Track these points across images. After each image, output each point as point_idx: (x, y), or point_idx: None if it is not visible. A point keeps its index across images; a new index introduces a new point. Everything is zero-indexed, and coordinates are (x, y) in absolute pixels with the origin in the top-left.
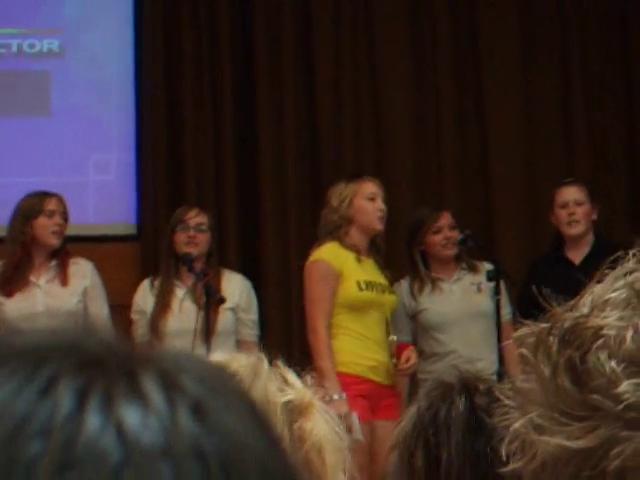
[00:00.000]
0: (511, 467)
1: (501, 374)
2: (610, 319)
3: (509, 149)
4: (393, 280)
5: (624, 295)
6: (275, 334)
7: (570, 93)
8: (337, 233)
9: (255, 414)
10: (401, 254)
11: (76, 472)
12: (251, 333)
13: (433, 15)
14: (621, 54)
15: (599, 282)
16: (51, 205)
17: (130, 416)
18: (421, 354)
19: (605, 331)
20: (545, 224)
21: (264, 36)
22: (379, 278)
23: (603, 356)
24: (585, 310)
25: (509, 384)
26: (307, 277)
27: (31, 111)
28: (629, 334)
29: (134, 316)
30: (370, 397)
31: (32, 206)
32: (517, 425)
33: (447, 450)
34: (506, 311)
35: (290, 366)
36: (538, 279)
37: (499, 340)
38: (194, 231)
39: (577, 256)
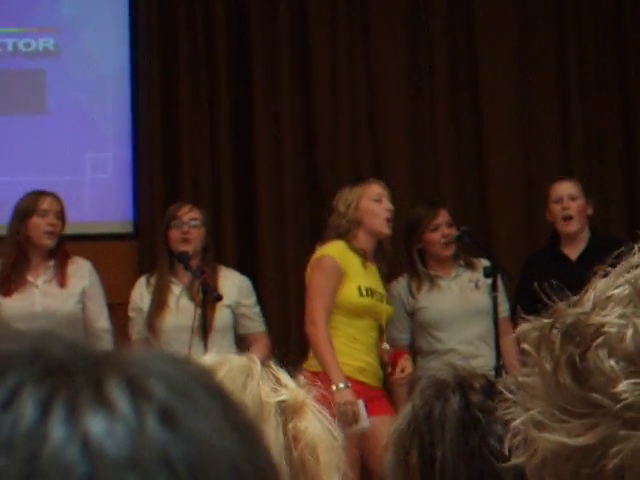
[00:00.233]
0: (513, 462)
1: (498, 370)
2: (611, 316)
3: (505, 146)
4: (388, 284)
5: (626, 292)
6: (272, 331)
7: (566, 89)
8: (346, 236)
9: (229, 415)
10: (399, 252)
11: None
12: (257, 324)
13: (429, 12)
14: (617, 50)
15: (603, 277)
16: (45, 204)
17: (95, 426)
18: (419, 352)
19: (606, 329)
20: (541, 220)
21: (260, 35)
22: (379, 287)
23: (603, 354)
24: (588, 306)
25: (512, 378)
26: (311, 271)
27: (27, 110)
28: (629, 332)
29: (131, 314)
30: (360, 397)
31: (27, 205)
32: (518, 421)
33: (441, 448)
34: (503, 307)
35: (288, 362)
36: (534, 275)
37: (497, 336)
38: (187, 227)
39: (573, 252)
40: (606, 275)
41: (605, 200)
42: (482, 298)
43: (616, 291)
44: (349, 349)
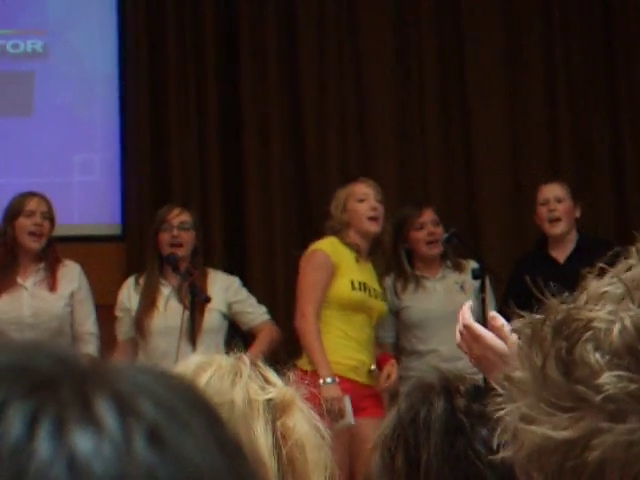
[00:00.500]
0: (501, 455)
1: None
2: (601, 312)
3: (494, 148)
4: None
5: (620, 290)
6: None
7: (554, 91)
8: (339, 234)
9: (216, 433)
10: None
11: None
12: (258, 315)
13: (417, 14)
14: (605, 51)
15: (594, 279)
16: (30, 205)
17: (82, 443)
18: (402, 351)
19: (595, 324)
20: (530, 222)
21: (248, 37)
22: (374, 283)
23: (590, 347)
24: (580, 302)
25: (503, 374)
26: (303, 265)
27: (15, 111)
28: (617, 327)
29: (118, 314)
30: (351, 396)
31: (13, 207)
32: (507, 414)
33: (427, 451)
34: (490, 310)
35: (275, 363)
36: (522, 277)
37: None
38: (177, 230)
39: (561, 254)
40: (597, 277)
41: (594, 202)
42: (467, 300)
43: (609, 288)
44: (341, 347)
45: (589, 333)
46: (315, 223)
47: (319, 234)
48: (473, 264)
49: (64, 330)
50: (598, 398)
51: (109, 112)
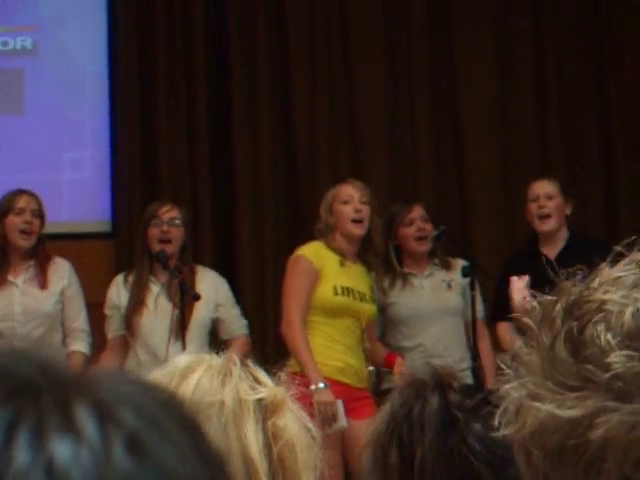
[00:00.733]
0: (502, 433)
1: (476, 370)
2: (615, 295)
3: (484, 147)
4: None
5: (634, 277)
6: (250, 331)
7: (545, 90)
8: (325, 237)
9: (196, 443)
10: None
11: None
12: (238, 327)
13: (408, 14)
14: (595, 56)
15: (583, 277)
16: (20, 202)
17: (61, 451)
18: (387, 347)
19: (607, 306)
20: (520, 220)
21: (238, 37)
22: (361, 286)
23: (600, 328)
24: (593, 285)
25: (509, 354)
26: (287, 271)
27: (5, 109)
28: (629, 310)
29: (107, 312)
30: (340, 398)
31: (3, 205)
32: (512, 391)
33: (421, 447)
34: (479, 308)
35: (265, 362)
36: (513, 274)
37: (474, 335)
38: (167, 226)
39: (552, 251)
40: (584, 276)
41: (584, 200)
42: (453, 298)
43: (623, 274)
44: (327, 349)
45: (601, 315)
46: (305, 224)
47: (309, 234)
48: (462, 262)
49: (55, 327)
50: (606, 376)
51: (99, 110)
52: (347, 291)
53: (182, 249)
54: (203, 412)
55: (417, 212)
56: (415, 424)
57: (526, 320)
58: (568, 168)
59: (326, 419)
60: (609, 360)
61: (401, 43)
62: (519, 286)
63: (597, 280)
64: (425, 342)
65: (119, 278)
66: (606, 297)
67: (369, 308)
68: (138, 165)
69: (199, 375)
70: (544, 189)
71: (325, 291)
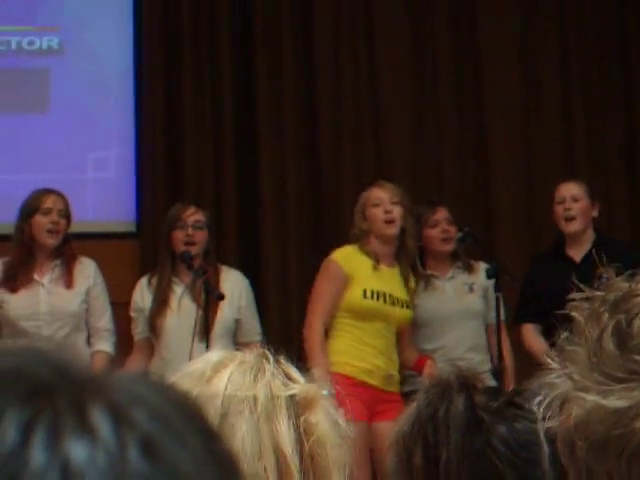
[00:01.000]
0: (547, 425)
1: (497, 372)
2: None
3: (509, 148)
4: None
5: None
6: (274, 331)
7: (569, 93)
8: (360, 241)
9: (210, 446)
10: None
11: None
12: (256, 332)
13: (432, 14)
14: (620, 47)
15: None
16: (48, 202)
17: (77, 452)
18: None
19: None
20: (544, 223)
21: (264, 31)
22: (395, 290)
23: None
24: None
25: (558, 349)
26: (319, 273)
27: (30, 108)
28: None
29: (132, 314)
30: (366, 400)
31: (31, 204)
32: (560, 385)
33: (446, 449)
34: (500, 311)
35: (289, 361)
36: (539, 276)
37: (499, 337)
38: (192, 229)
39: (577, 253)
40: (609, 279)
41: (608, 201)
42: (475, 301)
43: None
44: (355, 350)
45: None
46: (329, 224)
47: (333, 235)
48: (484, 265)
49: (80, 327)
50: None
51: (124, 109)
52: (377, 295)
53: (206, 251)
54: (235, 407)
55: (442, 214)
56: (440, 425)
57: (574, 315)
58: (592, 168)
59: None
60: None
61: (426, 44)
62: None
63: None
64: (446, 344)
65: (143, 280)
66: None
67: (400, 312)
68: (163, 165)
69: (231, 370)
70: (570, 191)
71: (355, 294)
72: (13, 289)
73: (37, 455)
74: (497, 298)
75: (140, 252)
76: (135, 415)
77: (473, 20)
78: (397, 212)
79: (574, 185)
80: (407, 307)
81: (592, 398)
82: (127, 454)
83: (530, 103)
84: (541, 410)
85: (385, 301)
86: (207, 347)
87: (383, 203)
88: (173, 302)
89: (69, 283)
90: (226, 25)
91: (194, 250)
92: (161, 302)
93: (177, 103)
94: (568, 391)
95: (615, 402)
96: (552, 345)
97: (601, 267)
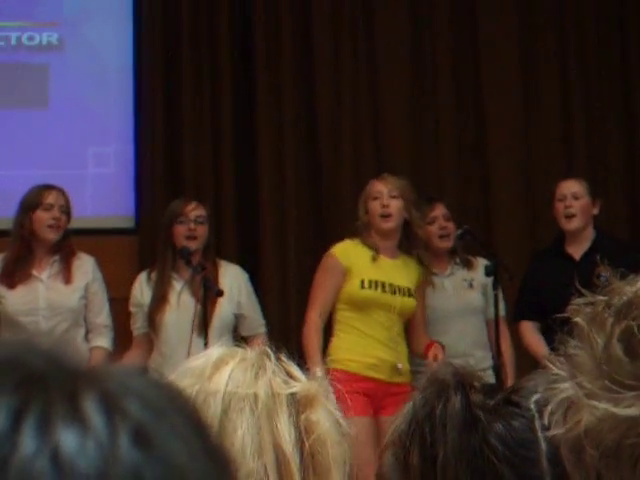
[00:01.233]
0: (552, 433)
1: (497, 368)
2: None
3: (508, 146)
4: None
5: None
6: (272, 325)
7: (569, 93)
8: (361, 235)
9: (202, 438)
10: None
11: None
12: (259, 325)
13: (432, 10)
14: (620, 50)
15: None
16: (49, 198)
17: (67, 439)
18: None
19: None
20: (543, 220)
21: (263, 28)
22: (397, 279)
23: None
24: None
25: (561, 353)
26: (318, 267)
27: (30, 103)
28: None
29: (132, 309)
30: (371, 395)
31: (32, 199)
32: (567, 391)
33: (443, 448)
34: (500, 307)
35: (288, 357)
36: (538, 275)
37: (497, 334)
38: (194, 224)
39: (577, 251)
40: (608, 278)
41: (607, 200)
42: (475, 297)
43: None
44: (358, 346)
45: None
46: (328, 219)
47: (332, 230)
48: (483, 261)
49: (79, 322)
50: None
51: (124, 105)
52: (375, 284)
53: (205, 246)
54: (236, 404)
55: (439, 210)
56: (437, 424)
57: (576, 319)
58: (592, 168)
59: None
60: None
61: (426, 42)
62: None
63: None
64: (447, 341)
65: (142, 276)
66: None
67: (402, 301)
68: (162, 161)
69: (232, 367)
70: (571, 189)
71: (352, 285)
72: (11, 284)
73: (27, 441)
74: (495, 295)
75: (139, 248)
76: (128, 405)
77: (473, 19)
78: (394, 206)
79: (575, 183)
80: (411, 296)
81: (603, 406)
82: (118, 443)
83: (530, 102)
84: (545, 416)
85: (384, 290)
86: (205, 342)
87: (381, 197)
88: (172, 297)
89: (68, 278)
90: (225, 23)
91: (195, 245)
92: (160, 297)
93: (176, 99)
94: (574, 397)
95: (626, 410)
96: (551, 345)
97: (600, 266)
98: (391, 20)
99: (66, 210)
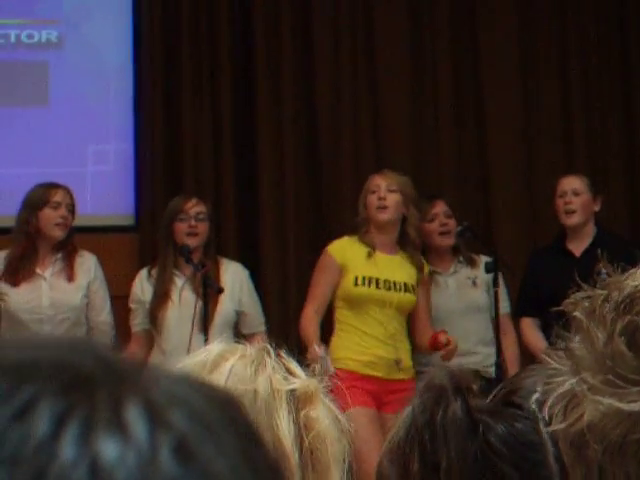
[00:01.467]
0: (553, 428)
1: (499, 365)
2: None
3: (508, 144)
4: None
5: None
6: (272, 322)
7: (569, 93)
8: (360, 231)
9: (251, 453)
10: None
11: None
12: (259, 323)
13: (432, 8)
14: (620, 50)
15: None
16: (57, 197)
17: (107, 449)
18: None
19: None
20: (544, 217)
21: (263, 26)
22: (393, 275)
23: None
24: None
25: (559, 347)
26: (316, 263)
27: (29, 101)
28: None
29: (132, 305)
30: (372, 392)
31: (38, 197)
32: (568, 385)
33: (446, 454)
34: (504, 304)
35: (288, 354)
36: (539, 271)
37: (497, 332)
38: (195, 221)
39: (578, 248)
40: (608, 275)
41: (607, 199)
42: (479, 295)
43: None
44: (355, 345)
45: None
46: (327, 217)
47: (331, 227)
48: (486, 259)
49: (80, 320)
50: None
51: (123, 103)
52: (369, 281)
53: (206, 244)
54: None
55: (440, 207)
56: (438, 431)
57: (575, 314)
58: (591, 167)
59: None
60: None
61: (425, 38)
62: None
63: None
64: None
65: (143, 272)
66: None
67: (399, 297)
68: (162, 158)
69: (232, 363)
70: (571, 185)
71: (346, 282)
72: (15, 282)
73: (67, 449)
74: (495, 292)
75: (139, 245)
76: (172, 416)
77: (473, 18)
78: (392, 199)
79: (575, 179)
80: (409, 291)
81: (607, 401)
82: (159, 455)
83: (530, 102)
84: (545, 410)
85: (378, 286)
86: (206, 339)
87: (379, 190)
88: (174, 294)
89: (70, 276)
90: (225, 20)
91: (196, 242)
92: (162, 294)
93: (176, 97)
94: (575, 392)
95: (631, 405)
96: (550, 341)
97: (601, 262)
98: (391, 18)
99: (72, 209)
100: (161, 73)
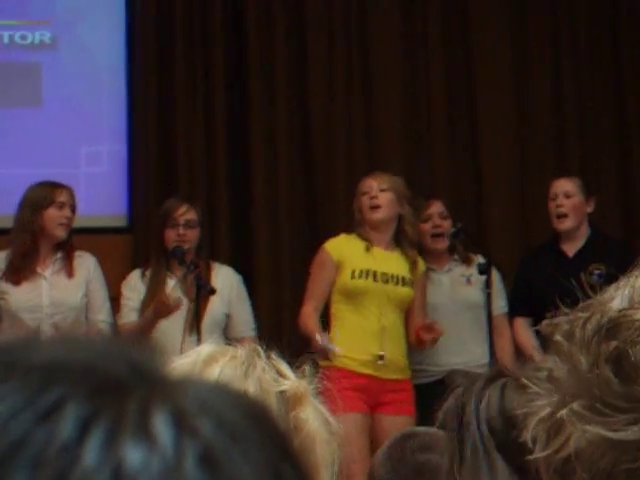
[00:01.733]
0: (536, 455)
1: (491, 365)
2: None
3: (501, 144)
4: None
5: None
6: (266, 327)
7: (562, 93)
8: (359, 229)
9: (278, 465)
10: None
11: None
12: (249, 328)
13: (424, 5)
14: (612, 53)
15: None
16: (62, 197)
17: (132, 455)
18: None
19: None
20: (536, 218)
21: (256, 26)
22: (390, 268)
23: None
24: (625, 302)
25: (536, 370)
26: (313, 261)
27: (23, 102)
28: None
29: (121, 301)
30: (367, 391)
31: (43, 196)
32: (549, 409)
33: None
34: (500, 304)
35: (279, 356)
36: (531, 271)
37: (490, 333)
38: (183, 228)
39: (571, 248)
40: (605, 276)
41: (600, 200)
42: (473, 293)
43: None
44: (353, 343)
45: None
46: (322, 218)
47: (325, 229)
48: (479, 259)
49: (81, 320)
50: None
51: (117, 104)
52: (367, 273)
53: (198, 247)
54: None
55: (435, 208)
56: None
57: (556, 337)
58: (585, 167)
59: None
60: None
61: (418, 39)
62: None
63: (626, 294)
64: (443, 337)
65: (136, 273)
66: None
67: (396, 289)
68: (155, 160)
69: (222, 364)
70: (563, 188)
71: (344, 276)
72: (16, 281)
73: (90, 453)
74: (488, 294)
75: (132, 247)
76: (200, 424)
77: (465, 19)
78: (384, 198)
79: (567, 181)
80: (407, 285)
81: (594, 429)
82: (184, 462)
83: (522, 102)
84: (527, 435)
85: (375, 279)
86: (198, 340)
87: (371, 191)
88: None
89: (70, 273)
90: (219, 21)
91: (185, 246)
92: (154, 295)
93: (170, 98)
94: (557, 417)
95: (620, 434)
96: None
97: (593, 263)
98: (384, 18)
99: (74, 208)
100: (154, 74)
